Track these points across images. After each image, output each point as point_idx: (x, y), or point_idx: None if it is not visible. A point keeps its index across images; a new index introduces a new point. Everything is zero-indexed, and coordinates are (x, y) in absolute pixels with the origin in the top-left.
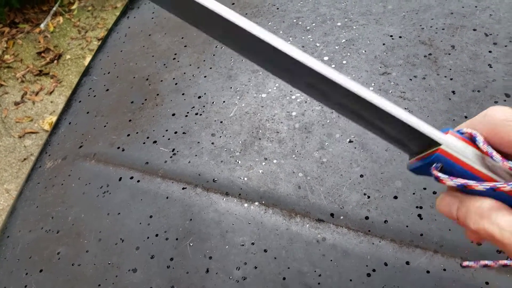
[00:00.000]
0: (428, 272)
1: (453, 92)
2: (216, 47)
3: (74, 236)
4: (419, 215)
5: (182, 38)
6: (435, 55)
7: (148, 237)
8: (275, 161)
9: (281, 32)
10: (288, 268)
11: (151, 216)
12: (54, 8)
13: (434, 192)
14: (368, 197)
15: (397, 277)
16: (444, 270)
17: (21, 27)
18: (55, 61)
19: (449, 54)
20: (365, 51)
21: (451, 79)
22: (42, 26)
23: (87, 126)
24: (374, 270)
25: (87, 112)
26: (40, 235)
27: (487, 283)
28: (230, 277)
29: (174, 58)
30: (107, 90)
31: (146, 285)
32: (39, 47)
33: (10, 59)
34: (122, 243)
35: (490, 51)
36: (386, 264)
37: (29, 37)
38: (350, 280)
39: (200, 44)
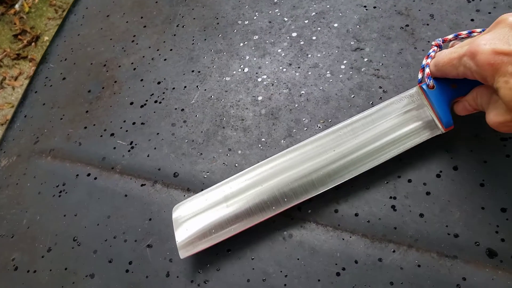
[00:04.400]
0: (401, 268)
1: None
2: (177, 26)
3: (29, 241)
4: (393, 206)
5: (142, 17)
6: (412, 27)
7: (106, 240)
8: (239, 151)
9: (246, 6)
10: (253, 269)
11: (109, 217)
12: None
13: (409, 180)
14: (337, 188)
15: (368, 275)
16: (419, 266)
17: None
18: (33, 44)
19: (428, 24)
20: (336, 24)
21: None
22: (16, 6)
23: (43, 119)
24: (343, 269)
25: (43, 104)
26: None
27: (464, 278)
28: (192, 281)
29: (133, 41)
30: (64, 78)
31: None
32: (15, 29)
33: None
34: (79, 246)
35: (472, 19)
36: (356, 262)
37: (4, 19)
38: (318, 280)
39: (160, 24)
